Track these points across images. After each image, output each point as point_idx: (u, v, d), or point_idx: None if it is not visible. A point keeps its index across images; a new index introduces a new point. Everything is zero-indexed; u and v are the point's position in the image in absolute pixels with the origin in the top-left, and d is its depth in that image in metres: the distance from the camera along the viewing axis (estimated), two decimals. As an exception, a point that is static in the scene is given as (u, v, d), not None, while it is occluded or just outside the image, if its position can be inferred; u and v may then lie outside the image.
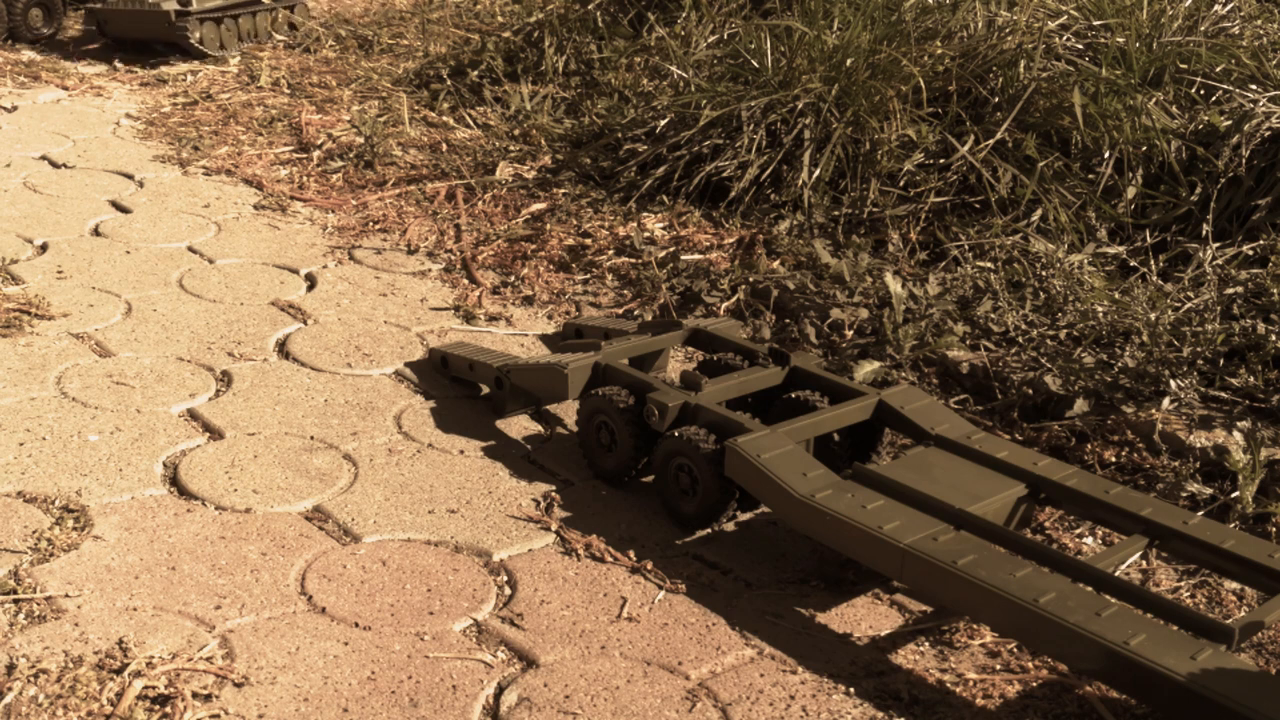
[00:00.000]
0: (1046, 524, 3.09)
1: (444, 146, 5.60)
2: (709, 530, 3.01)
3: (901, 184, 4.58)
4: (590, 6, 6.49)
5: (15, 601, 2.55)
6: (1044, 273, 4.00)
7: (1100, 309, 3.75)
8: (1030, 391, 3.48)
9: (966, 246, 4.25)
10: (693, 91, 5.12)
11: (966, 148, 4.52)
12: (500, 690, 2.42)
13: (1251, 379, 3.36)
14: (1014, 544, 2.63)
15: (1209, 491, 3.06)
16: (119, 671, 2.35)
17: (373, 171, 5.42)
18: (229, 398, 3.51)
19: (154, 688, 2.32)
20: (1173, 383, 3.36)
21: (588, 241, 4.65)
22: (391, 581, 2.74)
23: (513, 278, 4.45)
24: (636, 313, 4.18)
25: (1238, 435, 3.10)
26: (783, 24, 5.24)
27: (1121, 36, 4.85)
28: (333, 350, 3.84)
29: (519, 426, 3.47)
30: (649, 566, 2.84)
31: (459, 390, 3.65)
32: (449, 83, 6.40)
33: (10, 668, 2.35)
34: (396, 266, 4.56)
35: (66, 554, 2.73)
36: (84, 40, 7.79)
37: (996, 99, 4.72)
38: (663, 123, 5.07)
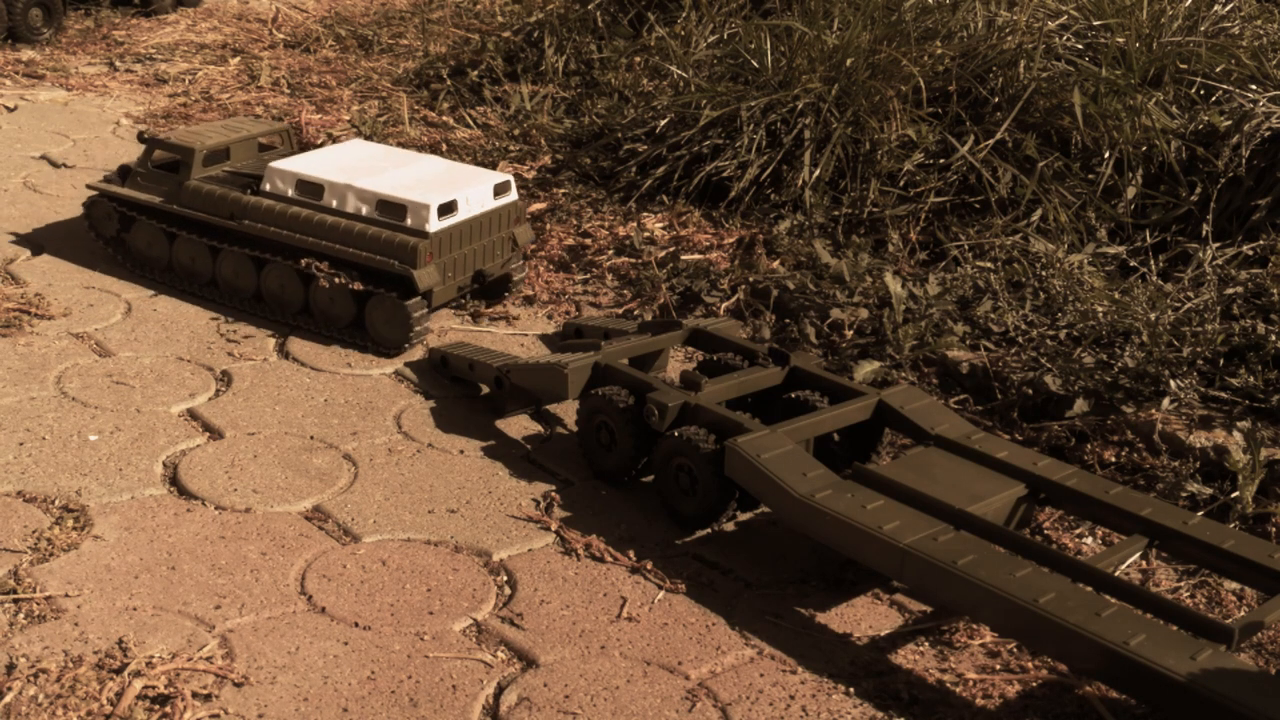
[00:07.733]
0: (1046, 524, 3.09)
1: (444, 146, 5.60)
2: (709, 530, 3.01)
3: (901, 184, 4.58)
4: (590, 6, 6.49)
5: (15, 601, 2.55)
6: (1044, 273, 4.00)
7: (1100, 309, 3.74)
8: (1030, 391, 3.48)
9: (966, 246, 4.25)
10: (693, 91, 5.12)
11: (966, 148, 4.52)
12: (500, 690, 2.42)
13: (1251, 379, 3.36)
14: (1014, 544, 2.63)
15: (1209, 491, 3.06)
16: (119, 671, 2.35)
17: (373, 171, 5.42)
18: (229, 398, 3.51)
19: (154, 687, 2.32)
20: (1173, 383, 3.36)
21: (588, 241, 4.65)
22: (391, 581, 2.74)
23: (513, 278, 4.45)
24: (636, 313, 4.18)
25: (1238, 435, 3.10)
26: (783, 24, 5.24)
27: (1121, 36, 4.85)
28: (333, 350, 3.84)
29: (519, 426, 3.47)
30: (649, 566, 2.84)
31: (459, 390, 3.64)
32: (449, 82, 6.40)
33: (10, 667, 2.35)
34: (396, 266, 4.56)
35: (66, 554, 2.73)
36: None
37: (996, 99, 4.71)
38: (663, 123, 5.07)
